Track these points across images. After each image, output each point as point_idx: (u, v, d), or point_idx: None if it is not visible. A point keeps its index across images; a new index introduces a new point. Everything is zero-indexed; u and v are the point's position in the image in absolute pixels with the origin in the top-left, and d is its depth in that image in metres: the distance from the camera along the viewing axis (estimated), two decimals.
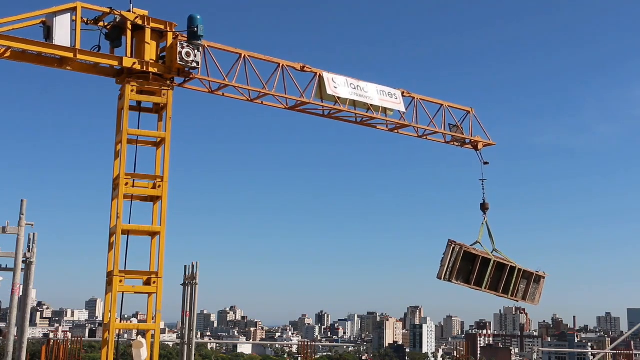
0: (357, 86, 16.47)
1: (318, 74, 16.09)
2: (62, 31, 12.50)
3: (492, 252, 18.21)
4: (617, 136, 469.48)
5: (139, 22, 13.59)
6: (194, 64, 14.13)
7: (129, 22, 13.47)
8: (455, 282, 16.90)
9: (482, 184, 18.14)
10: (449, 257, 16.74)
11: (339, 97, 16.15)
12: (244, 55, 15.02)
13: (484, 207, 18.31)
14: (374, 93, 16.69)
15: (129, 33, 13.53)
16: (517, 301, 19.03)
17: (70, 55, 12.68)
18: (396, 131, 18.07)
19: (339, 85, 16.12)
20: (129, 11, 13.49)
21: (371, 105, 16.84)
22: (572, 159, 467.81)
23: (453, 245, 16.60)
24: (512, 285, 18.11)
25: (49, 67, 12.63)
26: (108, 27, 13.40)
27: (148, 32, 13.74)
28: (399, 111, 17.46)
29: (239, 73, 15.00)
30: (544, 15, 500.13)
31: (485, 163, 18.56)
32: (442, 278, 16.87)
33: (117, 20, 13.30)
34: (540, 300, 19.52)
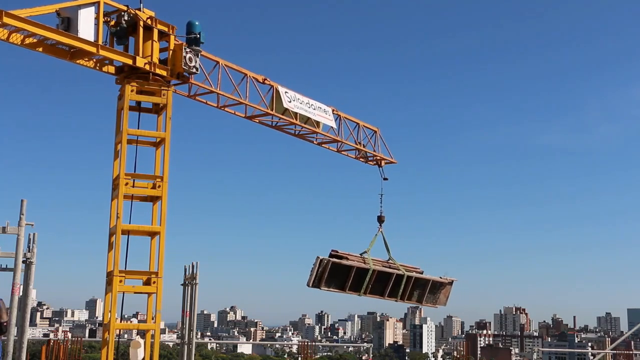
0: (303, 101, 17.24)
1: (275, 87, 16.55)
2: (87, 24, 12.43)
3: (387, 261, 19.22)
4: (618, 136, 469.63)
5: (149, 22, 13.60)
6: (194, 70, 14.24)
7: (141, 22, 13.48)
8: (324, 288, 17.73)
9: (381, 198, 19.50)
10: (317, 268, 17.47)
11: (291, 111, 16.87)
12: (221, 64, 15.12)
13: (380, 220, 19.43)
14: (313, 108, 17.54)
15: (141, 32, 13.52)
16: (418, 304, 19.97)
17: (93, 50, 12.60)
18: (324, 145, 19.03)
19: (292, 100, 16.85)
20: (140, 10, 13.48)
21: (309, 118, 17.59)
22: (572, 158, 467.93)
23: (320, 259, 17.42)
24: (402, 290, 19.00)
25: (58, 59, 12.50)
26: (112, 24, 13.34)
27: (156, 33, 13.76)
28: (331, 127, 18.30)
29: (219, 80, 15.32)
30: (544, 15, 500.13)
31: (385, 179, 19.93)
32: (311, 285, 17.65)
33: (128, 18, 13.26)
34: (447, 302, 20.12)
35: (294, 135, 18.11)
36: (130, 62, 13.32)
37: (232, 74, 15.59)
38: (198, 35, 14.21)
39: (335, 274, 17.94)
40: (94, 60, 13.23)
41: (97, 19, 12.73)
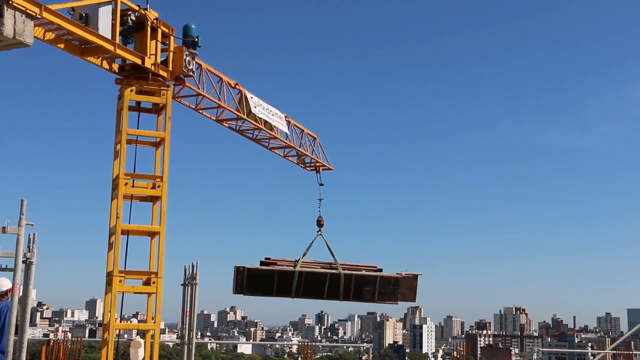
0: (264, 106, 17.47)
1: (243, 92, 16.67)
2: (106, 22, 12.43)
3: (330, 263, 19.13)
4: (618, 136, 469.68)
5: (155, 23, 13.61)
6: (191, 73, 14.29)
7: (149, 22, 13.48)
8: (249, 294, 17.97)
9: (319, 203, 19.82)
10: (236, 277, 17.69)
11: (256, 116, 17.06)
12: (204, 68, 15.18)
13: (319, 224, 19.57)
14: (272, 114, 17.80)
15: (148, 32, 13.53)
16: (371, 302, 19.54)
17: (111, 48, 12.59)
18: (275, 150, 19.24)
19: (257, 105, 17.09)
20: (147, 10, 13.49)
21: (271, 124, 17.75)
22: (572, 158, 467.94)
23: (237, 268, 17.65)
24: (343, 290, 18.82)
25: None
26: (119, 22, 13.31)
27: (160, 34, 13.77)
28: (286, 133, 18.52)
29: (204, 83, 15.31)
30: (544, 15, 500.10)
31: (321, 184, 20.33)
32: (235, 293, 17.90)
33: (134, 17, 13.26)
34: (416, 297, 19.62)
35: (251, 140, 18.29)
36: (139, 61, 13.33)
37: (210, 78, 15.61)
38: (196, 39, 14.26)
39: (262, 280, 18.16)
40: (101, 57, 13.21)
41: (112, 17, 12.73)
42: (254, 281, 17.84)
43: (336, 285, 18.76)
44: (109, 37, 12.49)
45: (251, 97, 16.86)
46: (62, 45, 12.26)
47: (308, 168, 20.59)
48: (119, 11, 12.77)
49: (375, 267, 19.63)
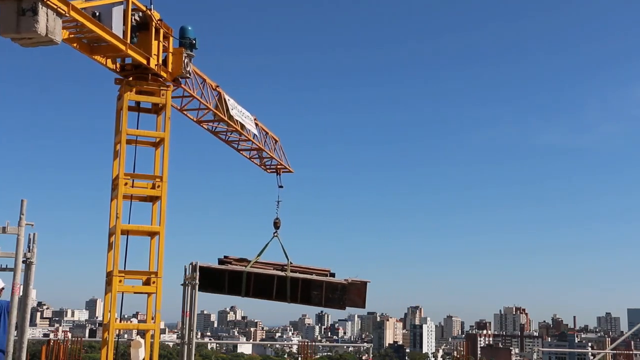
0: (239, 109, 17.50)
1: (222, 94, 16.71)
2: (118, 22, 12.43)
3: (284, 264, 19.39)
4: (618, 136, 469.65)
5: (159, 24, 13.63)
6: (188, 74, 14.32)
7: (153, 22, 13.49)
8: (202, 291, 17.89)
9: (277, 204, 19.96)
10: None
11: (234, 118, 17.15)
12: (191, 70, 15.21)
13: (275, 225, 19.73)
14: (245, 116, 17.84)
15: (153, 33, 13.54)
16: (318, 306, 19.71)
17: (123, 47, 12.58)
18: (242, 152, 19.29)
19: (233, 107, 17.13)
20: (151, 10, 13.49)
21: (244, 126, 17.77)
22: (572, 158, 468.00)
23: (193, 264, 17.71)
24: (290, 292, 18.99)
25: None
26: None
27: (161, 34, 13.79)
28: (255, 135, 18.60)
29: (193, 85, 15.35)
30: (545, 15, 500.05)
31: (280, 187, 20.44)
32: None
33: (138, 17, 13.27)
34: (365, 304, 19.63)
35: (223, 140, 18.32)
36: (145, 62, 13.34)
37: (197, 80, 15.64)
38: (194, 41, 14.29)
39: (214, 278, 18.40)
40: (107, 56, 13.20)
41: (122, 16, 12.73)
42: (207, 279, 17.96)
43: (284, 287, 18.95)
44: (120, 36, 12.54)
45: (228, 100, 16.97)
46: (75, 45, 12.25)
47: (269, 170, 20.64)
48: (130, 11, 12.79)
49: (328, 271, 19.61)
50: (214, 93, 16.43)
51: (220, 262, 18.91)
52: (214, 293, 18.66)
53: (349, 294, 19.18)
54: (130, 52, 12.85)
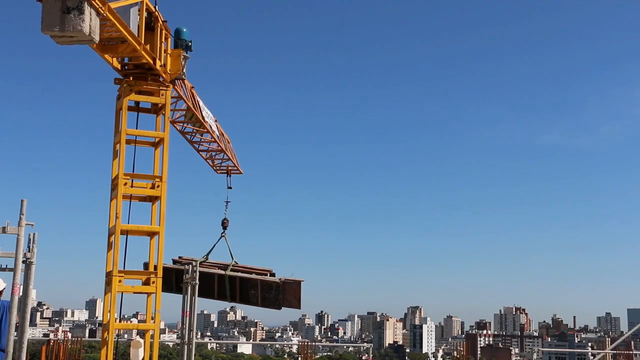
0: (206, 110, 17.58)
1: (195, 96, 16.70)
2: (135, 22, 12.46)
3: (229, 264, 19.50)
4: (619, 136, 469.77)
5: (162, 25, 13.64)
6: (183, 76, 14.36)
7: (159, 23, 13.50)
8: None
9: (226, 205, 20.09)
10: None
11: (204, 119, 17.18)
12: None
13: (223, 225, 19.74)
14: (210, 118, 17.88)
15: (158, 34, 13.55)
16: (255, 306, 19.73)
17: (139, 47, 12.59)
18: (201, 152, 19.31)
19: (203, 109, 17.18)
20: (156, 11, 13.51)
21: (210, 127, 17.85)
22: (573, 158, 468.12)
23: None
24: (230, 291, 19.26)
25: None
26: None
27: (163, 36, 13.80)
28: (218, 136, 18.64)
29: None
30: (545, 15, 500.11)
31: (229, 188, 20.54)
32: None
33: (145, 19, 13.28)
34: (300, 305, 19.27)
35: (188, 141, 18.33)
36: (152, 62, 13.35)
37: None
38: (190, 43, 14.34)
39: (164, 277, 18.55)
40: (113, 56, 13.20)
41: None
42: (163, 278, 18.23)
43: (224, 286, 19.10)
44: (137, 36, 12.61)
45: (199, 101, 17.00)
46: (93, 46, 12.26)
47: (219, 171, 20.64)
48: (144, 11, 12.81)
49: (269, 271, 19.46)
50: (189, 94, 16.41)
51: (175, 262, 19.02)
52: (164, 292, 18.80)
53: (285, 293, 18.94)
54: (143, 52, 12.88)
